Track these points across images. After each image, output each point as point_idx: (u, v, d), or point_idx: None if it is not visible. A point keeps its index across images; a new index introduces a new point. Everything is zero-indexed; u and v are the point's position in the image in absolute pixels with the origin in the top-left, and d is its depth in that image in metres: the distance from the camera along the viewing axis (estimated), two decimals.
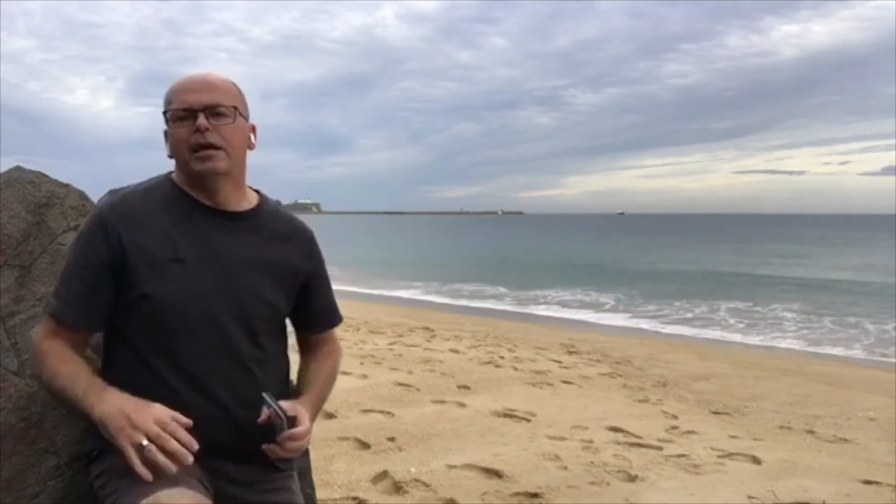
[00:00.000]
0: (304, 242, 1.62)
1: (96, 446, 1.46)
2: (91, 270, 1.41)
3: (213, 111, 1.44)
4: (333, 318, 1.71)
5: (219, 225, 1.48)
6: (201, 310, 1.41)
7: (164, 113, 1.47)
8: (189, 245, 1.44)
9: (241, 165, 1.52)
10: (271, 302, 1.51)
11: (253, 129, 1.55)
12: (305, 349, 1.70)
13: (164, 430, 1.26)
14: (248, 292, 1.47)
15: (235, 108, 1.47)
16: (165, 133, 1.49)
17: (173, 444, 1.26)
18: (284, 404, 1.42)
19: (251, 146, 1.54)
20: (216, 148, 1.43)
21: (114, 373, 1.43)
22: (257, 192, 1.60)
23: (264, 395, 1.40)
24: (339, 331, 1.75)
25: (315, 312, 1.66)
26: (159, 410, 1.29)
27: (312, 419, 1.49)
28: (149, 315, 1.40)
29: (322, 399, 1.63)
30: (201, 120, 1.42)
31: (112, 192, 1.50)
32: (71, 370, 1.38)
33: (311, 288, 1.62)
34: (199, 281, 1.42)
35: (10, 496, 1.54)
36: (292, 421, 1.41)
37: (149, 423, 1.26)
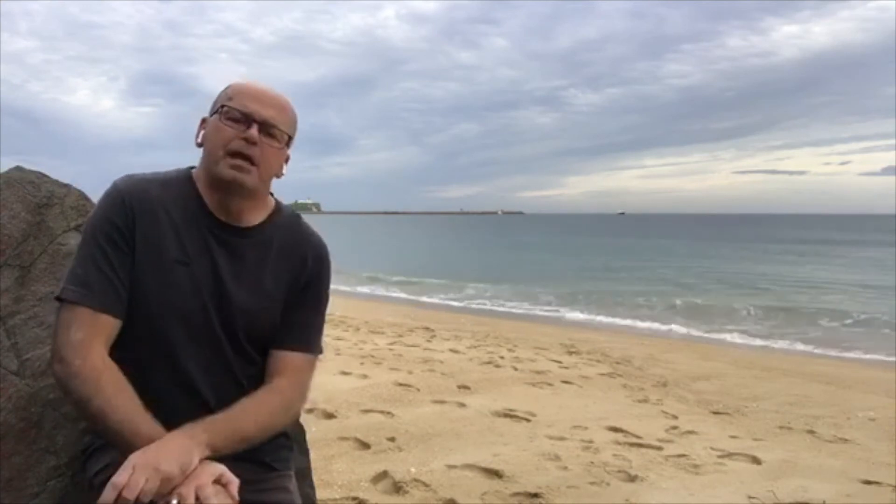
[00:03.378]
0: (311, 260, 1.55)
1: (93, 442, 1.45)
2: (114, 248, 1.36)
3: (268, 129, 1.42)
4: (305, 338, 1.51)
5: (224, 240, 1.45)
6: (200, 319, 1.39)
7: (221, 106, 1.42)
8: (194, 251, 1.42)
9: (266, 188, 1.50)
10: (266, 324, 1.47)
11: (287, 159, 1.53)
12: (266, 374, 1.48)
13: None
14: (242, 312, 1.43)
15: (289, 136, 1.48)
16: (203, 120, 1.46)
17: None
18: None
19: (279, 175, 1.51)
20: (252, 164, 1.40)
21: None
22: (275, 198, 1.55)
23: None
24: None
25: (288, 324, 1.49)
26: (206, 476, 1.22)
27: (183, 454, 1.23)
28: (148, 316, 1.38)
29: (221, 431, 1.31)
30: (253, 131, 1.39)
31: (129, 176, 1.45)
32: (127, 405, 1.29)
33: (297, 302, 1.51)
34: (200, 289, 1.40)
35: (10, 496, 1.54)
36: None
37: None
